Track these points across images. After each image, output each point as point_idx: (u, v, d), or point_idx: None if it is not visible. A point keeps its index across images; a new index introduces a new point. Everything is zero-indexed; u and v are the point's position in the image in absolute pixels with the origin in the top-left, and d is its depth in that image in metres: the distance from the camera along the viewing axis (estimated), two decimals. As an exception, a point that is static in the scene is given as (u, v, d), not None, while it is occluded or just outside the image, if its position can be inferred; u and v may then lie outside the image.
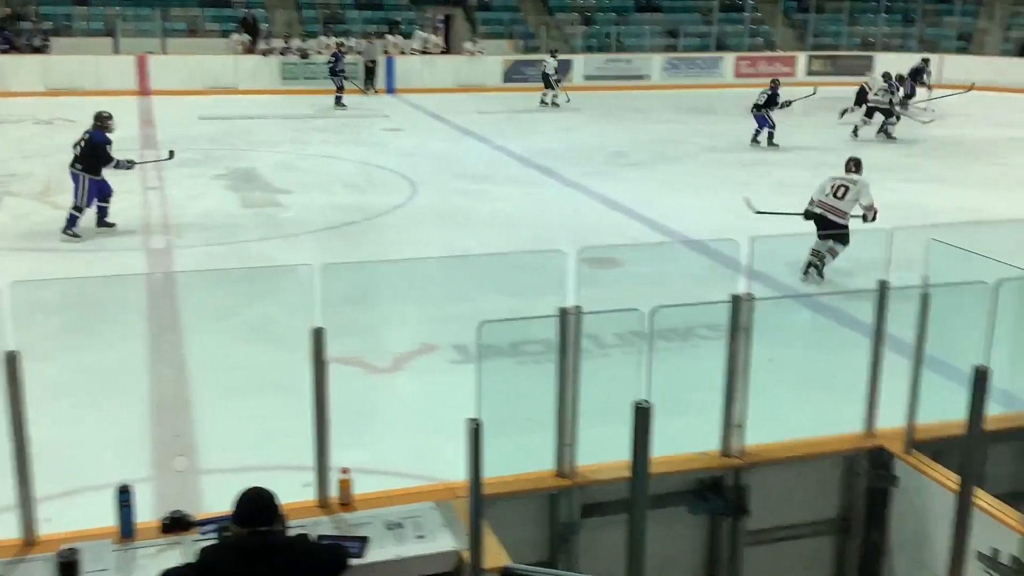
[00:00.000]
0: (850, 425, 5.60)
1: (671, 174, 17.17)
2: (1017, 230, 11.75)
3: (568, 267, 5.54)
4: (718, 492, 4.99)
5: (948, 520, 4.18)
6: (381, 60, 27.84)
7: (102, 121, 12.30)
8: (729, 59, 30.84)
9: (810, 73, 30.90)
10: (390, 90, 27.88)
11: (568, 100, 25.23)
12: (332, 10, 30.41)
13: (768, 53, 31.47)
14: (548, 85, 25.71)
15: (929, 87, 24.21)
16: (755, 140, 20.22)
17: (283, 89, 26.50)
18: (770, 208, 11.50)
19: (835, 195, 10.90)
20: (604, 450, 4.82)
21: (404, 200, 14.88)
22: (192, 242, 12.30)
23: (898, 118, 20.96)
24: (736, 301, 4.83)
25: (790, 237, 10.50)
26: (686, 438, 5.43)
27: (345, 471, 4.35)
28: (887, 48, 31.78)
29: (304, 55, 27.69)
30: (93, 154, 12.10)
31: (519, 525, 4.63)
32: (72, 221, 12.16)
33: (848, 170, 11.22)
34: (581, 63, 29.73)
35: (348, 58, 26.92)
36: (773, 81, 20.57)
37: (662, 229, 13.15)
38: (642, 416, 3.19)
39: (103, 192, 12.43)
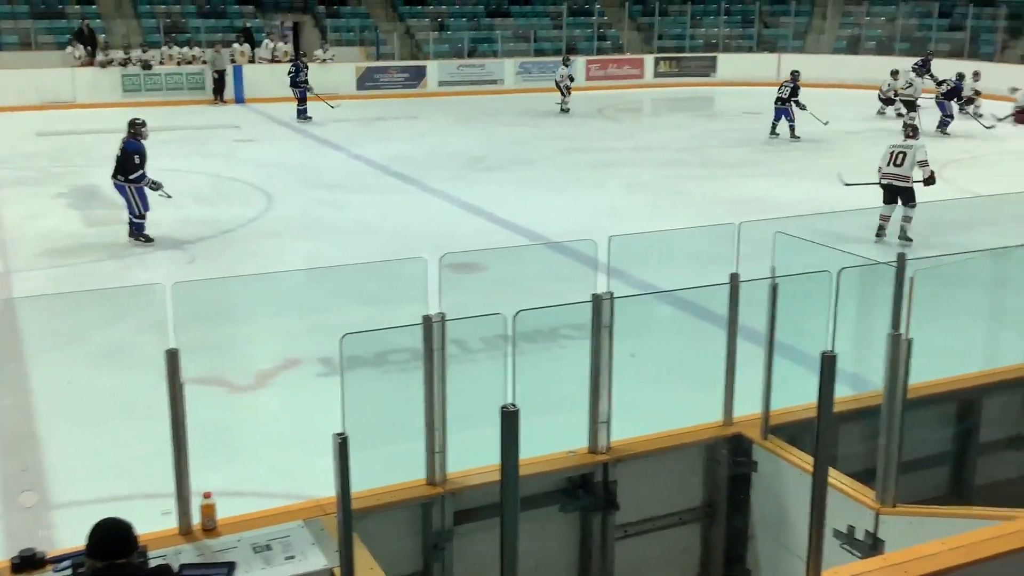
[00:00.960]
0: (711, 415, 5.77)
1: (529, 177, 17.36)
2: (858, 218, 12.38)
3: (431, 274, 5.51)
4: (588, 489, 5.06)
5: (805, 501, 4.35)
6: (229, 69, 27.13)
7: (135, 128, 12.28)
8: (579, 62, 31.44)
9: (657, 75, 31.80)
10: (239, 100, 27.19)
11: (334, 107, 24.53)
12: (174, 19, 29.44)
13: (617, 56, 32.22)
14: (563, 91, 25.82)
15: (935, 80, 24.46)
16: (774, 132, 20.97)
17: (125, 102, 25.45)
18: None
19: (895, 163, 12.09)
20: (475, 455, 4.81)
21: (259, 212, 14.53)
22: (33, 265, 11.67)
23: (951, 117, 22.09)
24: (596, 300, 4.91)
25: (647, 234, 10.76)
26: (556, 438, 5.48)
27: (207, 495, 4.21)
28: (728, 49, 33.03)
29: (146, 66, 26.71)
30: (127, 162, 12.17)
31: (392, 538, 4.57)
32: (139, 228, 12.40)
33: (907, 136, 12.62)
34: (435, 69, 29.74)
35: (192, 67, 26.17)
36: (793, 73, 21.29)
37: (523, 232, 13.27)
38: (509, 420, 3.19)
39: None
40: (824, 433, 4.06)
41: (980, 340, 7.76)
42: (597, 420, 5.04)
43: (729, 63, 32.30)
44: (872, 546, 4.71)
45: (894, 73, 24.73)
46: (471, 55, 31.09)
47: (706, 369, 6.21)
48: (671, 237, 11.02)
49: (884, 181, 12.33)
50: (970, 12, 30.66)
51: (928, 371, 6.71)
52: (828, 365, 4.03)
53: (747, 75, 31.27)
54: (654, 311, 9.45)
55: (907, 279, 5.00)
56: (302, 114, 23.99)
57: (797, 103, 20.81)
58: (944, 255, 5.85)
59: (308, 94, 24.06)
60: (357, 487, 3.66)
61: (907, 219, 12.11)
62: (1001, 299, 7.72)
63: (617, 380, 5.19)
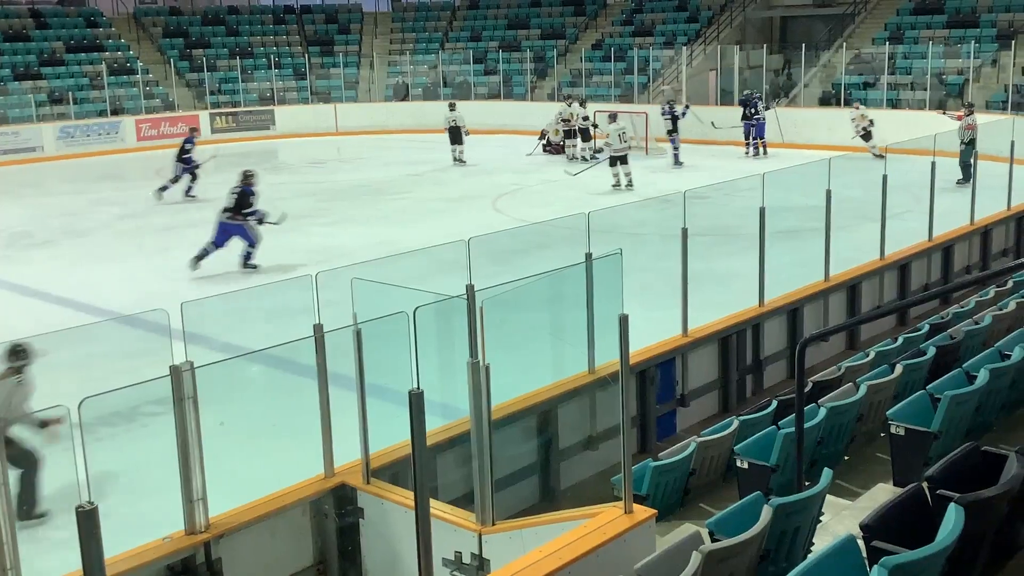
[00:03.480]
0: (314, 468, 5.70)
1: (85, 248, 16.10)
2: (427, 257, 12.96)
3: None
4: (190, 573, 4.74)
5: (413, 536, 4.43)
6: None
7: (247, 179, 14.32)
8: (129, 123, 29.86)
9: (214, 130, 31.11)
10: None
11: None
12: None
13: (169, 114, 31.05)
14: (585, 138, 24.44)
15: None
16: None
17: None
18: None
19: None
20: (54, 564, 4.33)
21: None
22: None
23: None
24: (175, 372, 4.65)
25: (223, 296, 10.41)
26: (147, 525, 5.09)
27: None
28: (283, 101, 33.20)
29: None
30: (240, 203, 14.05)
31: None
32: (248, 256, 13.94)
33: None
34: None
35: None
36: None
37: (86, 308, 12.25)
38: (86, 520, 2.89)
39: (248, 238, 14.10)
40: (421, 468, 4.17)
41: (547, 355, 8.45)
42: (192, 498, 4.75)
43: (287, 115, 32.47)
44: (479, 567, 4.91)
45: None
46: (2, 122, 28.31)
47: (303, 423, 6.13)
48: (249, 295, 10.79)
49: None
50: (500, 57, 33.66)
51: (508, 391, 7.19)
52: (416, 402, 4.14)
53: (306, 126, 31.64)
54: (241, 373, 9.14)
55: (477, 308, 5.30)
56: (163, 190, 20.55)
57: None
58: (506, 282, 6.29)
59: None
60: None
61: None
62: (560, 316, 8.48)
63: (209, 452, 4.94)
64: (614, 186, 19.88)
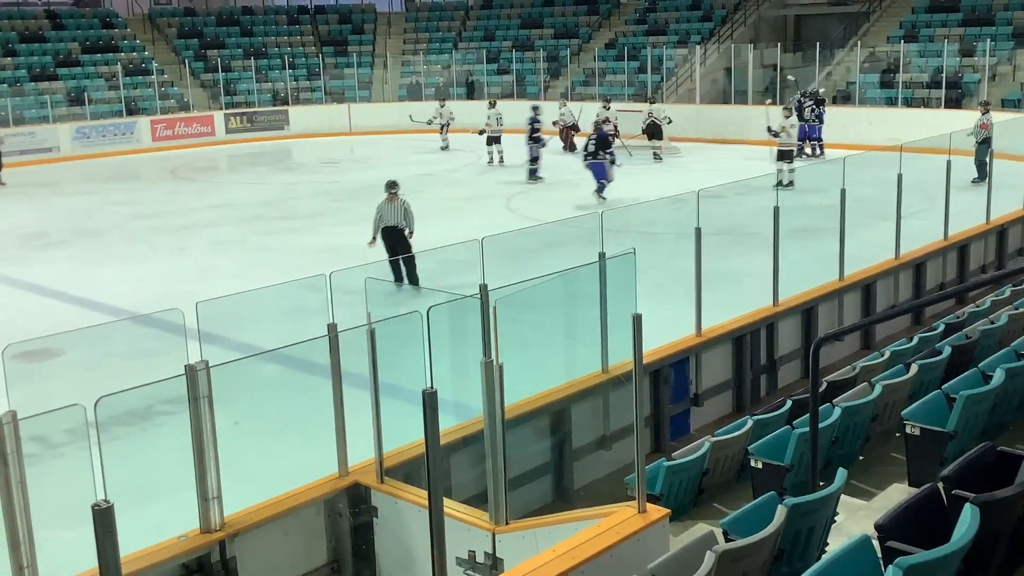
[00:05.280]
0: (328, 467, 5.71)
1: (99, 248, 16.18)
2: (440, 256, 12.98)
3: (-7, 369, 4.90)
4: (205, 572, 4.77)
5: (426, 536, 4.44)
6: None
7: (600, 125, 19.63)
8: (144, 123, 30.00)
9: (229, 131, 31.23)
10: None
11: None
12: None
13: (184, 115, 31.17)
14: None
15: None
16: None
17: None
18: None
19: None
20: (71, 562, 4.35)
21: None
22: None
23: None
24: (190, 371, 4.67)
25: (236, 296, 10.45)
26: (163, 524, 5.11)
27: None
28: (297, 102, 33.29)
29: None
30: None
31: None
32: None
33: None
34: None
35: None
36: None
37: (101, 308, 12.31)
38: (103, 518, 2.91)
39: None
40: (435, 467, 4.17)
41: (560, 355, 8.45)
42: (207, 497, 4.77)
43: (301, 115, 32.57)
44: (493, 566, 4.91)
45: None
46: (18, 123, 28.47)
47: (317, 422, 6.14)
48: (262, 295, 10.81)
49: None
50: (514, 56, 33.66)
51: (521, 390, 7.19)
52: (430, 401, 4.15)
53: (320, 126, 31.73)
54: (256, 373, 9.18)
55: (490, 308, 5.30)
56: None
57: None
58: (519, 282, 6.29)
59: None
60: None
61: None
62: (573, 315, 8.47)
63: (224, 451, 4.96)
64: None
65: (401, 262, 12.33)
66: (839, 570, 3.40)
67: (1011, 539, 3.87)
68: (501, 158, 23.82)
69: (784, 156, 19.55)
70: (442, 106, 27.57)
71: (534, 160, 21.40)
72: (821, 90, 24.85)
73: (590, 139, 19.12)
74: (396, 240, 12.84)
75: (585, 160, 18.92)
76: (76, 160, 27.77)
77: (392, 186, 12.97)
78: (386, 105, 33.36)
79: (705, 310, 9.26)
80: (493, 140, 23.95)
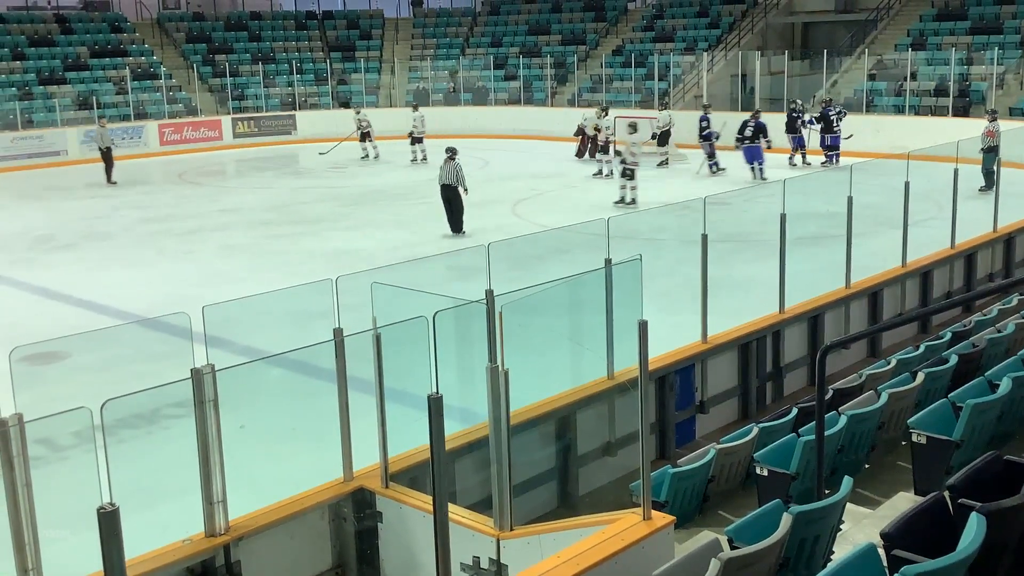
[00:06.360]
0: (333, 472, 5.71)
1: (107, 251, 16.22)
2: (446, 261, 12.99)
3: (1, 371, 4.92)
4: (209, 575, 4.77)
5: (431, 541, 4.44)
6: None
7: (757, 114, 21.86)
8: (152, 127, 30.09)
9: (236, 135, 31.30)
10: None
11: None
12: None
13: (192, 119, 31.27)
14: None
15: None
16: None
17: None
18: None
19: None
20: (76, 564, 4.36)
21: None
22: None
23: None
24: (196, 375, 4.67)
25: (243, 299, 10.47)
26: (168, 527, 5.12)
27: None
28: (305, 107, 33.36)
29: None
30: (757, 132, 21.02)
31: None
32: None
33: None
34: (-16, 143, 26.92)
35: None
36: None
37: (108, 312, 12.34)
38: (108, 521, 2.91)
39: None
40: (439, 473, 4.17)
41: (566, 361, 8.45)
42: (212, 500, 4.78)
43: (308, 120, 32.64)
44: (497, 572, 4.91)
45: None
46: (27, 126, 28.59)
47: (323, 426, 6.14)
48: (268, 299, 10.82)
49: None
50: (521, 63, 33.70)
51: (527, 396, 7.19)
52: (435, 406, 4.15)
53: (327, 131, 31.77)
54: (262, 377, 9.19)
55: (496, 313, 5.31)
56: None
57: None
58: (525, 287, 6.29)
59: None
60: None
61: None
62: (579, 321, 8.47)
63: (229, 454, 4.97)
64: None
65: (449, 212, 15.74)
66: (844, 578, 3.39)
67: (1017, 549, 3.85)
68: (424, 156, 25.52)
69: (627, 174, 18.71)
70: (357, 114, 28.38)
71: (711, 156, 22.51)
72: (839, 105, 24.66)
73: (747, 124, 21.48)
74: (451, 195, 15.85)
75: (739, 145, 21.24)
76: (84, 164, 27.86)
77: (449, 151, 16.06)
78: (393, 111, 33.44)
79: (711, 317, 9.25)
80: (416, 140, 26.15)
